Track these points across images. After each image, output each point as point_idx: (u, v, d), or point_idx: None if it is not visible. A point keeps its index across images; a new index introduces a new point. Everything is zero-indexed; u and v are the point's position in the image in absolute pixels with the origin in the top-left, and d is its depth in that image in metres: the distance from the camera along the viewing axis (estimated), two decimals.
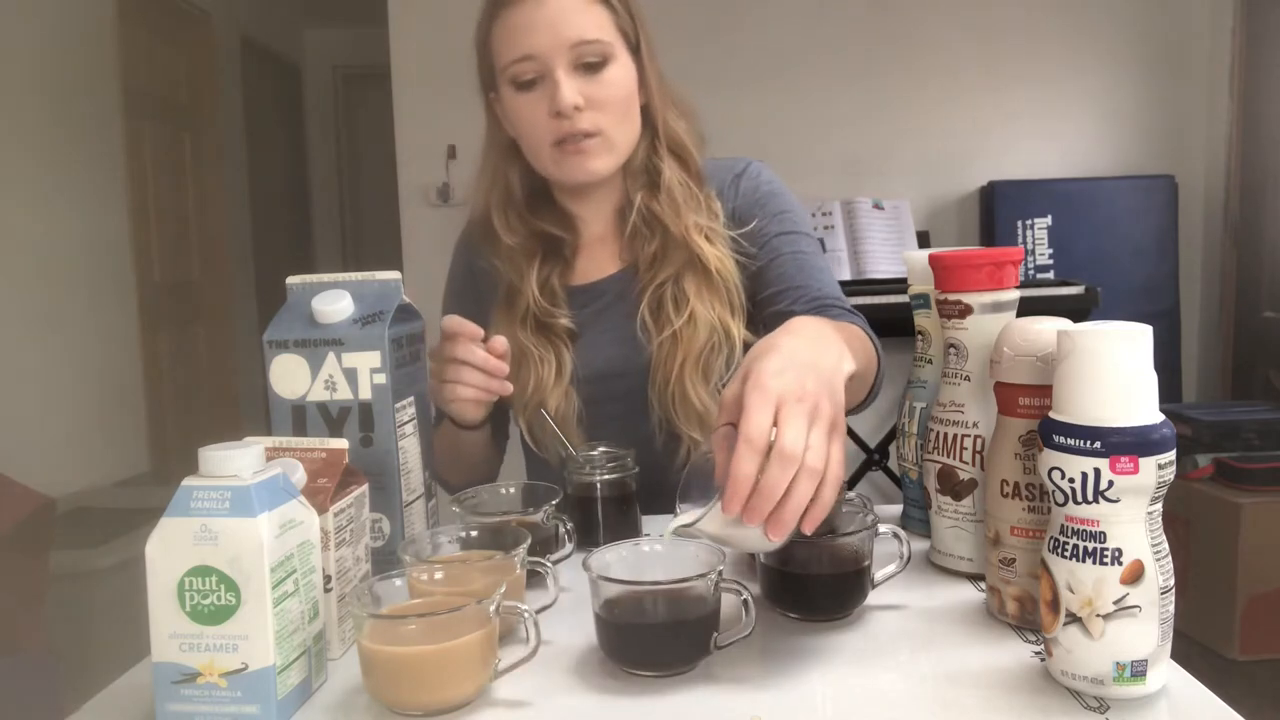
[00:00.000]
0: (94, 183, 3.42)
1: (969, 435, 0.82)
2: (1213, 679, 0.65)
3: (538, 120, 1.09)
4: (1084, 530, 0.62)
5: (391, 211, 3.47)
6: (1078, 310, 2.68)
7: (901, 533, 0.79)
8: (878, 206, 3.15)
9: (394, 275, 0.87)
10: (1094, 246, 3.26)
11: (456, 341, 1.00)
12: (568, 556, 0.86)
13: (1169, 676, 0.64)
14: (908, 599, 0.81)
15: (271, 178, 5.04)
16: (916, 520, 0.94)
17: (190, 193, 4.19)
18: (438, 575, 0.73)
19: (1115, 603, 0.61)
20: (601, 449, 1.01)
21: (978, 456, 0.82)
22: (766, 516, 0.63)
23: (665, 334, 1.12)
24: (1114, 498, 0.60)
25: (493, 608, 0.65)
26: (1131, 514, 0.61)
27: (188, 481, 0.63)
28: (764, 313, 1.15)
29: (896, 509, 1.00)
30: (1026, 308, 0.82)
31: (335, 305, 0.83)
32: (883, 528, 0.78)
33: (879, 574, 0.79)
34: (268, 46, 5.03)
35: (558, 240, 1.18)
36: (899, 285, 2.71)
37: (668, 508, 0.94)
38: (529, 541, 0.76)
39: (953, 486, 0.84)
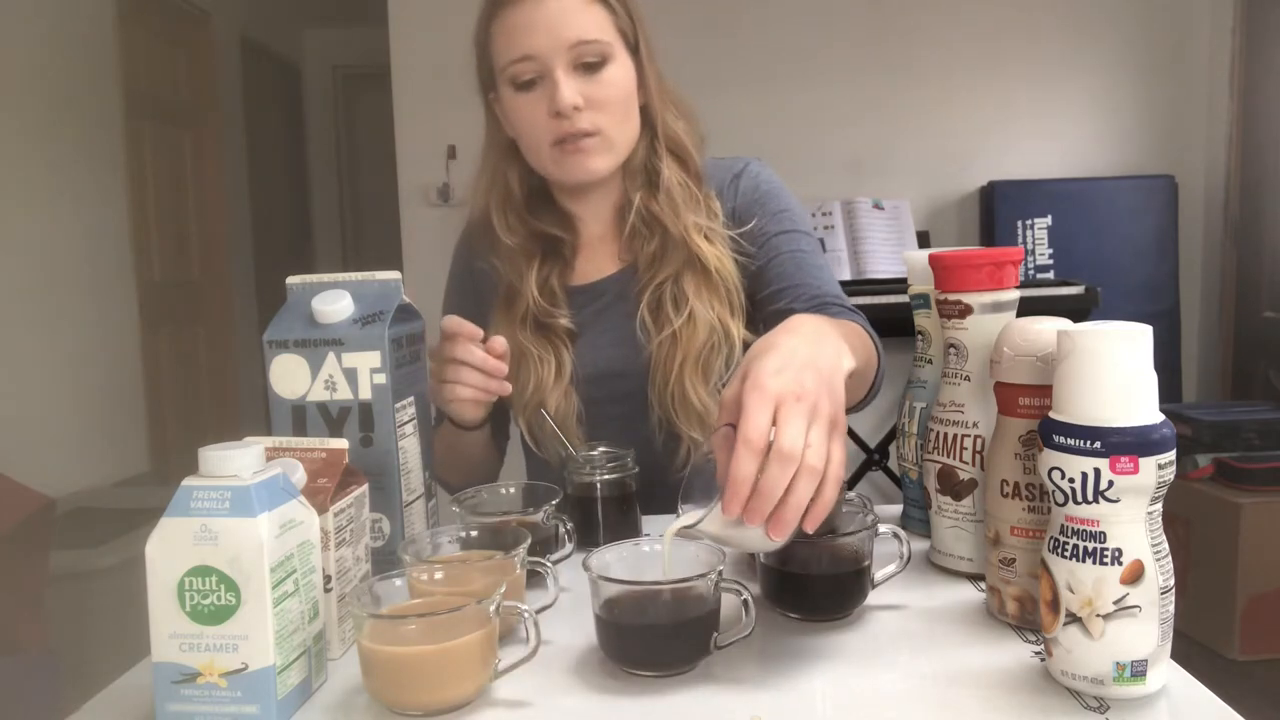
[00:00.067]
0: (94, 183, 3.42)
1: (969, 435, 0.82)
2: (1213, 679, 0.65)
3: (537, 120, 1.09)
4: (1084, 530, 0.62)
5: (391, 211, 3.47)
6: (1078, 310, 2.68)
7: (901, 533, 0.79)
8: (878, 206, 3.15)
9: (394, 275, 0.87)
10: (1094, 246, 3.26)
11: (456, 341, 1.00)
12: (568, 556, 0.86)
13: (1169, 676, 0.64)
14: (908, 599, 0.81)
15: (271, 178, 5.04)
16: (916, 520, 0.94)
17: (190, 193, 4.19)
18: (438, 575, 0.73)
19: (1115, 603, 0.61)
20: (601, 449, 1.01)
21: (978, 456, 0.82)
22: (767, 517, 0.63)
23: (665, 334, 1.12)
24: (1114, 498, 0.60)
25: (493, 608, 0.65)
26: (1131, 514, 0.61)
27: (188, 481, 0.63)
28: (764, 311, 1.15)
29: (896, 509, 1.00)
30: (1026, 308, 0.82)
31: (335, 305, 0.83)
32: (883, 528, 0.78)
33: (879, 574, 0.79)
34: (267, 46, 5.04)
35: (557, 240, 1.18)
36: (899, 285, 2.71)
37: (668, 508, 0.95)
38: (529, 541, 0.76)
39: (953, 486, 0.84)
